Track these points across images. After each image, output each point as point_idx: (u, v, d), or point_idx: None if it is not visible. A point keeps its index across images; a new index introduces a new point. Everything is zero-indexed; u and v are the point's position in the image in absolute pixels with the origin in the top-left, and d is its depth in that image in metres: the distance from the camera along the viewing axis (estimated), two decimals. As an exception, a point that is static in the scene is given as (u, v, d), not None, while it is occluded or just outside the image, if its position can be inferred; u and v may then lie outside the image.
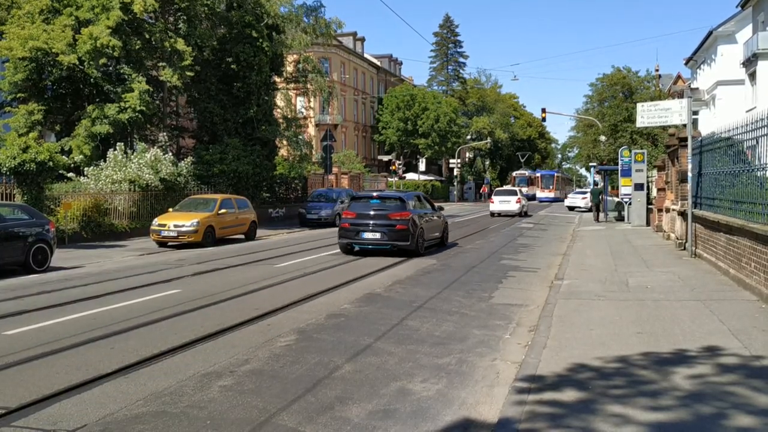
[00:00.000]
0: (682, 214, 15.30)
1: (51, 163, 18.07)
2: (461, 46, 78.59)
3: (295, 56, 33.32)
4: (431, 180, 64.06)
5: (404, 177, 58.43)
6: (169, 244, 18.59)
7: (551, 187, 70.06)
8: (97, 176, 21.99)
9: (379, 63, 69.27)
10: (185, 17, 25.75)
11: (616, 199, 30.16)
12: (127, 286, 11.23)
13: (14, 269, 13.04)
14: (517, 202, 35.51)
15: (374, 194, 17.21)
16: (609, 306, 8.84)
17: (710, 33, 39.19)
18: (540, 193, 68.44)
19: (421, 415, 5.06)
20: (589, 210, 36.22)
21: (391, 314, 8.88)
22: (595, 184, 36.61)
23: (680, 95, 37.15)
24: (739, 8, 36.29)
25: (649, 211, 25.08)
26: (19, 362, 6.47)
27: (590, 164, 50.40)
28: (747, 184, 10.00)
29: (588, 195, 38.87)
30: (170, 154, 26.79)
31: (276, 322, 8.37)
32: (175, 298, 10.06)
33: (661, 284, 10.60)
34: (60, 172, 20.02)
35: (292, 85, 34.81)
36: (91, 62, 21.92)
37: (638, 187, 25.46)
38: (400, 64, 76.95)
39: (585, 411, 4.78)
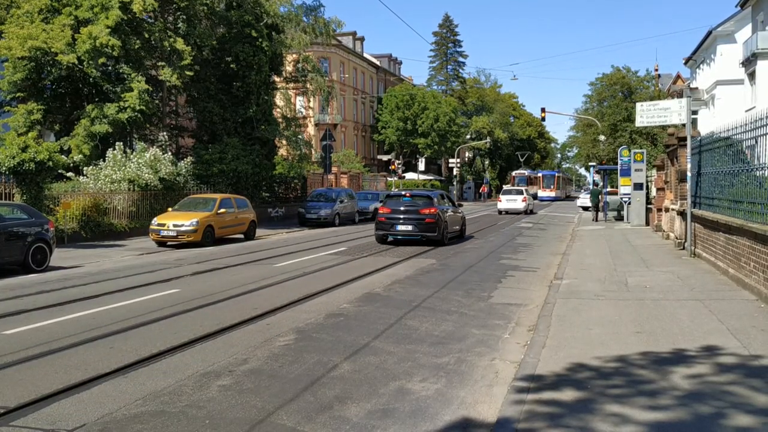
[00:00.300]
0: (682, 214, 15.30)
1: (50, 163, 18.05)
2: (461, 46, 78.65)
3: (294, 56, 33.32)
4: (431, 180, 64.00)
5: (404, 177, 58.33)
6: (169, 243, 18.59)
7: (552, 186, 72.98)
8: (96, 176, 21.97)
9: (378, 62, 69.22)
10: (184, 17, 25.76)
11: (617, 198, 30.15)
12: (126, 286, 11.22)
13: (13, 269, 13.04)
14: (523, 200, 38.38)
15: (406, 193, 19.76)
16: (608, 305, 8.84)
17: (709, 33, 39.19)
18: (541, 193, 70.09)
19: (420, 414, 5.06)
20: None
21: (390, 314, 8.88)
22: (595, 184, 36.72)
23: (679, 95, 37.12)
24: (739, 8, 36.28)
25: (648, 210, 25.09)
26: (18, 362, 6.46)
27: (590, 164, 50.40)
28: (746, 183, 10.01)
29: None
30: (169, 153, 26.78)
31: (275, 322, 8.37)
32: (174, 298, 10.06)
33: (660, 284, 10.60)
34: (59, 171, 20.04)
35: (291, 85, 34.82)
36: (90, 62, 21.91)
37: (637, 186, 25.47)
38: (400, 63, 76.92)
39: (584, 410, 4.78)
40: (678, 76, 50.54)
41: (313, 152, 39.76)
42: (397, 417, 4.99)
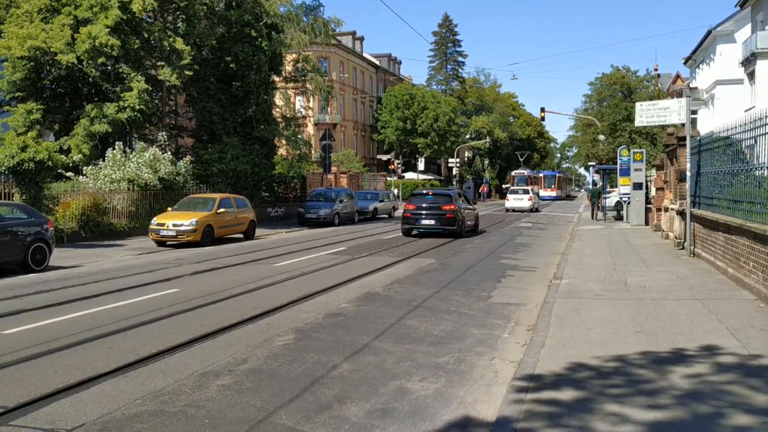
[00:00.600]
0: (681, 214, 15.31)
1: (50, 163, 18.05)
2: (460, 46, 78.67)
3: (294, 55, 33.30)
4: (430, 179, 63.98)
5: (403, 176, 58.30)
6: (168, 243, 18.58)
7: (553, 186, 74.78)
8: (95, 175, 21.96)
9: (378, 62, 69.19)
10: (184, 16, 25.74)
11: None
12: (125, 286, 11.22)
13: (13, 268, 13.03)
14: (529, 200, 41.79)
15: (429, 192, 22.60)
16: (607, 305, 8.84)
17: (709, 32, 39.19)
18: (543, 192, 71.06)
19: (420, 414, 5.06)
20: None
21: (389, 313, 8.88)
22: (594, 183, 36.82)
23: (679, 94, 37.10)
24: (738, 8, 36.29)
25: (647, 210, 25.09)
26: (17, 361, 6.46)
27: (589, 164, 50.40)
28: (745, 183, 10.01)
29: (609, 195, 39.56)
30: (169, 153, 26.74)
31: (274, 322, 8.37)
32: (174, 298, 10.06)
33: (660, 283, 10.60)
34: (59, 171, 20.02)
35: (291, 85, 34.79)
36: (89, 61, 21.90)
37: (637, 186, 25.48)
38: (399, 63, 76.88)
39: (583, 410, 4.78)
40: (678, 76, 50.53)
41: (312, 152, 39.77)
42: (396, 416, 4.99)
